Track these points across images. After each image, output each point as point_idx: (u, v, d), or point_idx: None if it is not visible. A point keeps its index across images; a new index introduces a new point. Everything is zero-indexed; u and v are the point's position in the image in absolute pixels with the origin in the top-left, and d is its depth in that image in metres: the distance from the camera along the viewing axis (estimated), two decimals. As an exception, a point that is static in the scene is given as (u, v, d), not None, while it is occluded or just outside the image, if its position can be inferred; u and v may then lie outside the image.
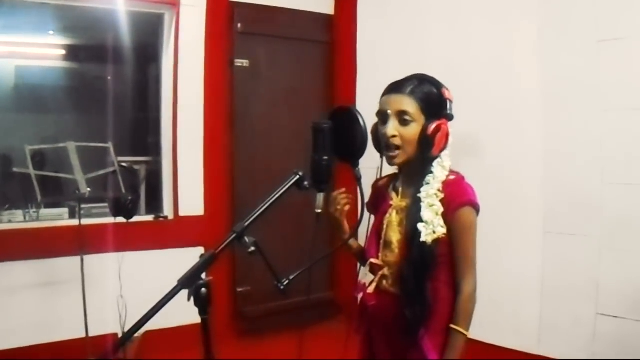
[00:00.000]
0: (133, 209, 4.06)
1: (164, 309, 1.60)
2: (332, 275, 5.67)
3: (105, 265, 4.22)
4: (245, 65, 5.22)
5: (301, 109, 5.49)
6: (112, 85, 6.74)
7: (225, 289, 5.12)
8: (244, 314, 5.20)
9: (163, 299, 1.59)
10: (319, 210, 1.98)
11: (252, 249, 1.74)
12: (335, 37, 5.78)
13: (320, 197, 1.97)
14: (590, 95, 4.05)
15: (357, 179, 2.07)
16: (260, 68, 5.33)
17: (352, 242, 2.41)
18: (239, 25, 5.15)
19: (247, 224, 1.76)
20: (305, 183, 1.90)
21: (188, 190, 5.05)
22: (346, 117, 2.04)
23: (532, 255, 4.37)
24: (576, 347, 4.13)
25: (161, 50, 5.16)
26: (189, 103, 5.01)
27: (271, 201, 1.82)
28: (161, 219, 5.02)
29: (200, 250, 4.63)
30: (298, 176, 1.89)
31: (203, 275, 1.68)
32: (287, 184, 1.87)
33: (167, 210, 5.09)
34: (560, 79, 4.24)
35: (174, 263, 4.48)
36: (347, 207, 2.30)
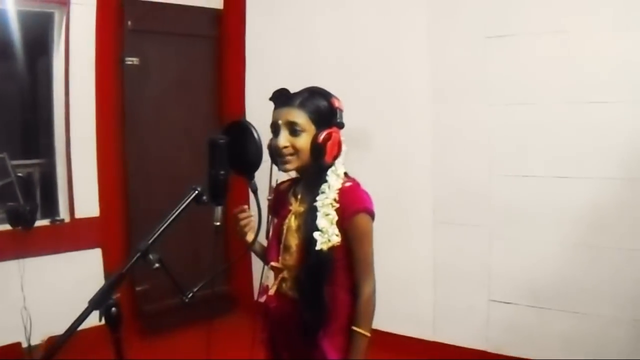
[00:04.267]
0: (32, 218, 4.05)
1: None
2: (227, 270, 5.66)
3: (5, 273, 4.18)
4: (135, 62, 5.19)
5: (192, 105, 5.54)
6: (2, 86, 6.55)
7: (124, 288, 5.01)
8: (144, 313, 5.17)
9: (74, 322, 1.64)
10: (218, 223, 2.06)
11: (157, 265, 1.81)
12: (224, 32, 5.79)
13: (219, 211, 2.04)
14: (478, 90, 4.24)
15: (253, 192, 2.15)
16: (150, 65, 5.32)
17: (256, 245, 2.43)
18: (129, 22, 5.11)
19: (150, 241, 1.82)
20: (204, 198, 1.97)
21: (83, 191, 4.95)
22: (241, 131, 2.11)
23: (424, 245, 4.53)
24: (470, 332, 4.34)
25: (52, 49, 5.03)
26: (80, 102, 4.93)
27: (171, 218, 1.89)
28: (57, 223, 4.89)
29: (98, 251, 4.63)
30: (196, 192, 1.96)
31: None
32: (185, 200, 1.94)
33: (63, 213, 4.97)
34: (448, 73, 4.39)
35: (73, 266, 4.46)
36: (251, 224, 2.37)
